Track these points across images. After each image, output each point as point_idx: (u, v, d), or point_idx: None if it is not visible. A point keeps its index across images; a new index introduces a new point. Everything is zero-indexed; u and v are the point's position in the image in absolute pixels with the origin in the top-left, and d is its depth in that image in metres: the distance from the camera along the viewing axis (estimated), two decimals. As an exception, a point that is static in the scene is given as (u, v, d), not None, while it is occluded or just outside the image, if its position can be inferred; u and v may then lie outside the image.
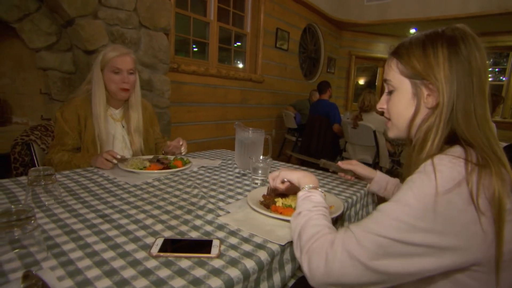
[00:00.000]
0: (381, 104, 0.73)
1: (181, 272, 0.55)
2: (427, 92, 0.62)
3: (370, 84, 7.18)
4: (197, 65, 3.27)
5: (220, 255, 0.61)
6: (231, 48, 3.94)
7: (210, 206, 0.87)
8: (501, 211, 0.49)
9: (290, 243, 0.69)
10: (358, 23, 5.75)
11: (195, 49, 3.61)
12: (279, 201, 0.85)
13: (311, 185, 0.75)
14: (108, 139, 1.37)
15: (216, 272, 0.55)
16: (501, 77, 6.17)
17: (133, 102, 1.44)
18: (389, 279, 0.52)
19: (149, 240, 0.66)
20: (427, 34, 0.62)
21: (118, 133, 1.43)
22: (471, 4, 4.67)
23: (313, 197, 0.71)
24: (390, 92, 0.69)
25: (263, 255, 0.62)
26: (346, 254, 0.53)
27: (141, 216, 0.78)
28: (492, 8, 4.52)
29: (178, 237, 0.68)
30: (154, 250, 0.60)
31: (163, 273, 0.54)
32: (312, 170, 1.30)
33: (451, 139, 0.58)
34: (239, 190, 1.03)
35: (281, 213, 0.79)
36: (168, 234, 0.69)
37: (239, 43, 4.14)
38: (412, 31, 5.84)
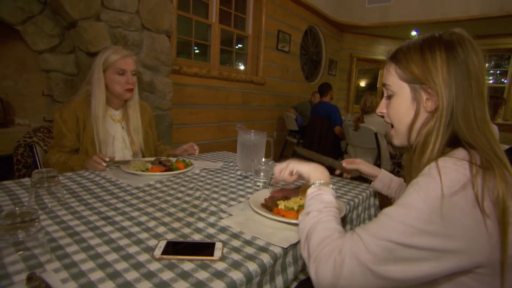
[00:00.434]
0: (381, 109, 0.73)
1: (184, 275, 0.55)
2: (426, 96, 0.62)
3: (371, 86, 7.18)
4: (199, 67, 3.28)
5: (222, 258, 0.61)
6: (233, 50, 3.95)
7: (213, 208, 0.87)
8: (505, 213, 0.49)
9: (293, 246, 0.69)
10: (359, 25, 5.75)
11: (197, 51, 3.62)
12: (282, 204, 0.85)
13: (322, 181, 0.72)
14: (107, 140, 1.37)
15: (219, 274, 0.55)
16: (502, 80, 6.16)
17: (131, 102, 1.46)
18: (397, 285, 0.52)
19: (152, 242, 0.66)
20: (425, 38, 0.63)
21: (118, 133, 1.44)
22: (472, 6, 4.67)
23: (323, 195, 0.68)
24: (390, 97, 0.69)
25: (265, 258, 0.62)
26: (354, 261, 0.52)
27: (143, 218, 0.78)
28: (494, 11, 4.52)
29: (181, 239, 0.68)
30: (157, 252, 0.61)
31: (166, 275, 0.54)
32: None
33: (453, 142, 0.59)
34: (241, 193, 1.03)
35: (283, 216, 0.79)
36: (170, 236, 0.69)
37: (240, 45, 4.15)
38: (413, 33, 5.84)
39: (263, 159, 1.15)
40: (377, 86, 7.10)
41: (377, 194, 1.19)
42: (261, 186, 1.09)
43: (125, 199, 0.91)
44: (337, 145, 3.81)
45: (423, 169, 0.55)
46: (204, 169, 1.32)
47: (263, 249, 0.65)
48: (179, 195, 0.97)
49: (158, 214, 0.81)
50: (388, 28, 5.70)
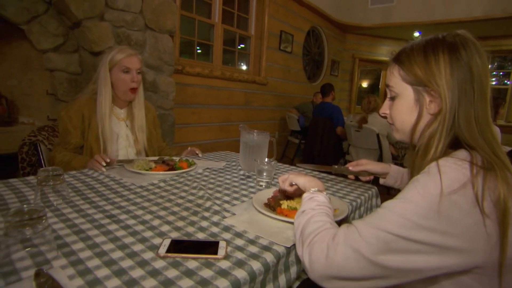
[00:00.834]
0: (384, 109, 0.74)
1: (189, 273, 0.55)
2: (429, 98, 0.62)
3: (373, 87, 7.17)
4: (201, 67, 3.29)
5: (226, 257, 0.61)
6: (235, 50, 3.96)
7: (216, 207, 0.88)
8: (506, 214, 0.49)
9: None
10: (362, 26, 5.75)
11: (199, 51, 3.63)
12: (285, 204, 0.86)
13: (316, 188, 0.76)
14: (112, 138, 1.39)
15: (223, 273, 0.56)
16: (505, 81, 6.14)
17: (136, 101, 1.48)
18: (391, 275, 0.52)
19: (156, 240, 0.67)
20: (428, 40, 0.63)
21: (122, 132, 1.46)
22: (475, 8, 4.66)
23: (317, 197, 0.72)
24: (393, 98, 0.70)
25: (269, 257, 0.63)
26: (348, 247, 0.54)
27: (148, 217, 0.79)
28: (497, 12, 4.50)
29: (185, 238, 0.69)
30: (162, 250, 0.61)
31: (171, 273, 0.55)
32: (323, 175, 1.30)
33: (455, 144, 0.59)
34: (244, 192, 1.04)
35: (286, 216, 0.80)
36: (175, 235, 0.70)
37: (243, 45, 4.16)
38: (416, 34, 5.83)
39: (266, 159, 1.16)
40: (379, 87, 7.09)
41: (379, 194, 1.20)
42: (263, 186, 1.10)
43: (129, 198, 0.92)
44: (339, 146, 3.81)
45: (424, 168, 0.56)
46: (207, 168, 1.33)
47: (266, 248, 0.66)
48: (183, 194, 0.98)
49: (162, 213, 0.82)
50: (390, 29, 5.69)
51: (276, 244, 0.68)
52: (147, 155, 1.52)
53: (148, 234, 0.70)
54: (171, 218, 0.79)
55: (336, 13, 5.49)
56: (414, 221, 0.50)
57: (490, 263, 0.50)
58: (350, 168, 1.04)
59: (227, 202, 0.93)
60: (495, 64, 6.21)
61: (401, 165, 3.28)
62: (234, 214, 0.84)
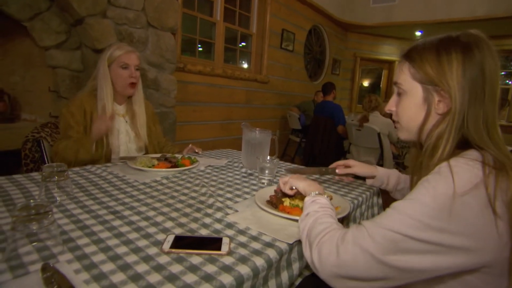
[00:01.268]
0: (390, 106, 0.73)
1: (193, 268, 0.56)
2: (438, 98, 0.61)
3: (375, 86, 7.16)
4: (203, 65, 3.29)
5: (230, 253, 0.62)
6: (237, 49, 3.95)
7: (219, 204, 0.88)
8: None
9: (298, 242, 0.70)
10: (363, 25, 5.74)
11: (201, 49, 3.63)
12: (287, 201, 0.87)
13: (317, 192, 0.76)
14: (113, 133, 1.41)
15: (227, 268, 0.57)
16: (507, 81, 6.13)
17: (136, 98, 1.50)
18: (400, 275, 0.53)
19: (160, 236, 0.67)
20: (441, 38, 0.62)
21: (122, 127, 1.48)
22: (478, 7, 4.64)
23: (319, 200, 0.72)
24: (400, 95, 0.69)
25: (272, 253, 0.63)
26: (357, 247, 0.54)
27: (151, 213, 0.80)
28: (499, 12, 4.49)
29: (189, 234, 0.70)
30: (166, 246, 0.62)
31: (175, 268, 0.56)
32: (317, 176, 1.30)
33: (463, 145, 0.59)
34: (246, 190, 1.04)
35: (288, 213, 0.80)
36: (178, 231, 0.71)
37: (244, 44, 4.15)
38: (418, 33, 5.82)
39: (268, 157, 1.17)
40: (380, 86, 7.09)
41: (380, 193, 1.20)
42: (265, 184, 1.11)
43: (132, 194, 0.92)
44: (340, 145, 3.81)
45: (433, 169, 0.56)
46: (209, 166, 1.34)
47: (269, 245, 0.67)
48: (185, 191, 0.99)
49: (165, 209, 0.82)
50: (392, 28, 5.68)
51: (279, 240, 0.69)
52: (147, 151, 1.53)
53: (152, 230, 0.70)
54: (174, 214, 0.80)
55: (338, 12, 5.48)
56: (423, 221, 0.50)
57: (498, 263, 0.50)
58: (338, 171, 1.05)
59: (229, 199, 0.94)
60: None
61: (402, 164, 3.29)
62: (236, 211, 0.85)
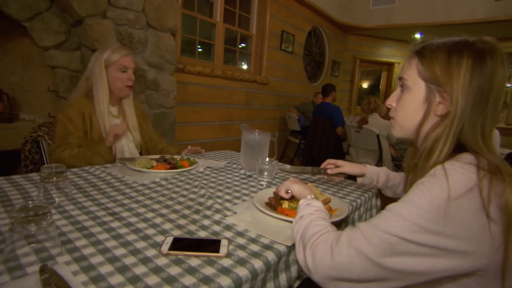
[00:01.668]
0: (391, 101, 0.72)
1: (191, 270, 0.56)
2: (439, 99, 0.61)
3: (374, 88, 7.17)
4: (202, 66, 3.29)
5: (228, 255, 0.62)
6: (237, 50, 3.96)
7: (217, 206, 0.88)
8: None
9: (297, 244, 0.70)
10: (363, 27, 5.75)
11: (201, 50, 3.63)
12: (285, 203, 0.87)
13: (312, 196, 0.76)
14: None
15: (225, 271, 0.57)
16: (506, 84, 6.15)
17: (127, 99, 1.52)
18: (395, 277, 0.53)
19: (159, 238, 0.67)
20: (457, 41, 0.61)
21: None
22: (478, 10, 4.66)
23: (313, 203, 0.72)
24: (402, 90, 0.68)
25: (270, 256, 0.63)
26: (352, 249, 0.54)
27: (150, 214, 0.79)
28: (499, 15, 4.51)
29: (187, 236, 0.70)
30: (164, 248, 0.62)
31: (174, 270, 0.56)
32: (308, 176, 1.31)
33: (458, 148, 0.59)
34: (245, 191, 1.04)
35: (287, 215, 0.81)
36: (177, 233, 0.71)
37: (244, 45, 4.16)
38: (418, 35, 5.83)
39: (267, 159, 1.17)
40: (380, 88, 7.10)
41: (379, 195, 1.21)
42: (264, 185, 1.11)
43: (131, 196, 0.92)
44: (339, 146, 3.81)
45: (428, 171, 0.56)
46: (208, 167, 1.34)
47: (267, 247, 0.67)
48: (184, 192, 0.99)
49: (164, 211, 0.82)
50: (392, 30, 5.70)
51: (277, 243, 0.69)
52: (141, 150, 1.55)
53: (150, 231, 0.70)
54: (173, 216, 0.80)
55: (338, 14, 5.49)
56: (419, 224, 0.50)
57: (493, 266, 0.51)
58: (329, 171, 1.06)
59: (228, 201, 0.94)
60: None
61: (401, 166, 3.30)
62: (235, 213, 0.85)
